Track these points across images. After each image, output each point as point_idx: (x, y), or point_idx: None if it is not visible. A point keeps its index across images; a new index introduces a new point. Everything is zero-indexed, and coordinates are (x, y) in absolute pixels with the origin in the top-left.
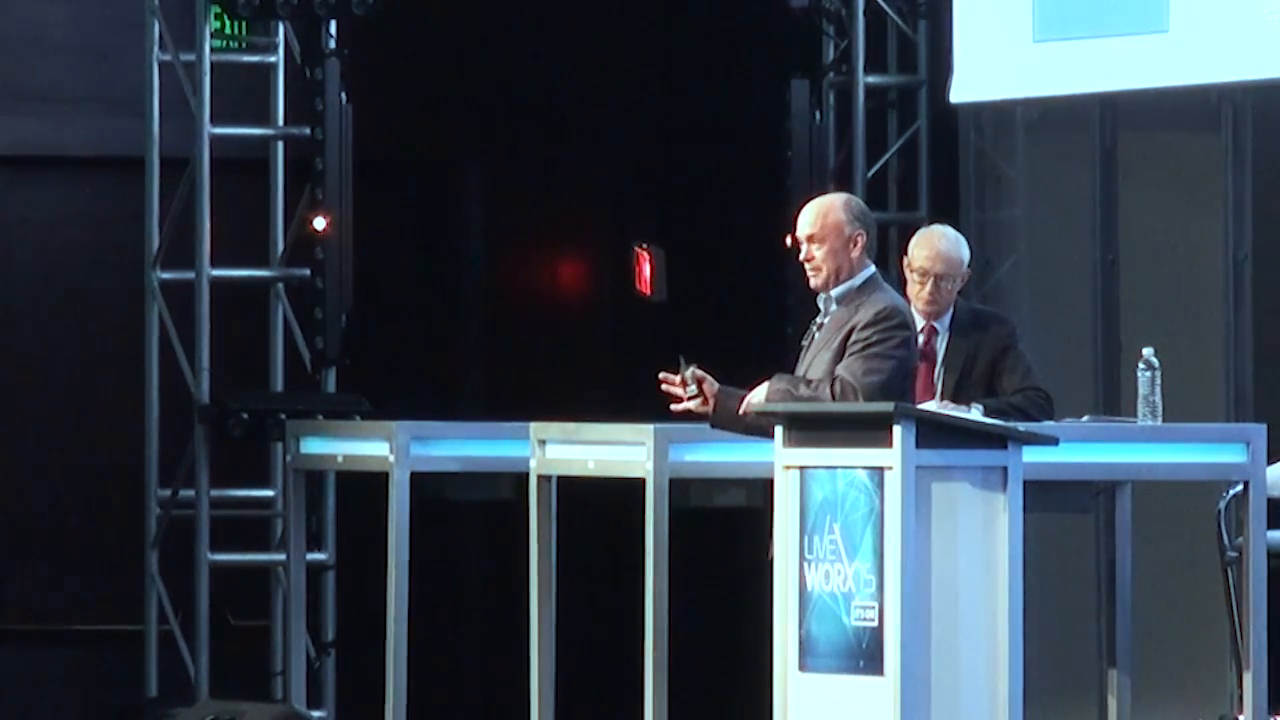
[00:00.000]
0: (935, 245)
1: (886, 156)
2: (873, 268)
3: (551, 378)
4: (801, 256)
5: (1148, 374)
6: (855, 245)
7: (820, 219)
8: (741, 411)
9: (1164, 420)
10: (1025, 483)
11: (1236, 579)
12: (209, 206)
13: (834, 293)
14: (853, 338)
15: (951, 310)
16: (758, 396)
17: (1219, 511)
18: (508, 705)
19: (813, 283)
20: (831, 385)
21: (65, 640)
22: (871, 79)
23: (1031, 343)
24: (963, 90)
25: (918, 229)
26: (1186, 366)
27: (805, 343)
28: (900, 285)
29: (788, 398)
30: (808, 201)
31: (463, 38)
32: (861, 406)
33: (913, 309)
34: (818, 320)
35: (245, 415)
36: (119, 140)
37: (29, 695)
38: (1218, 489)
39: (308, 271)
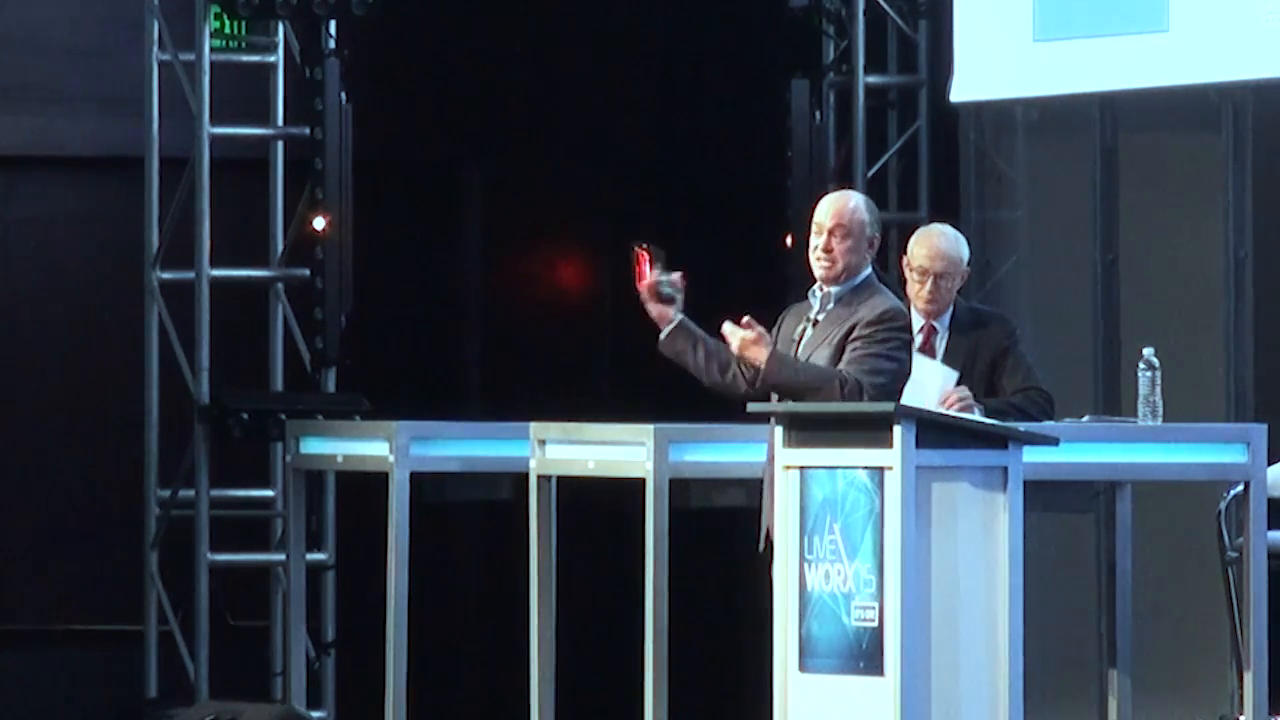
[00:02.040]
0: (935, 244)
1: (886, 156)
2: (870, 269)
3: (551, 378)
4: (819, 245)
5: (1148, 374)
6: (871, 246)
7: (849, 213)
8: (756, 361)
9: (1164, 420)
10: (1025, 483)
11: (1237, 579)
12: (209, 206)
13: (834, 290)
14: (855, 333)
15: (951, 309)
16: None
17: (1219, 511)
18: (508, 705)
19: (822, 274)
20: (842, 385)
21: (65, 640)
22: (871, 79)
23: (1031, 343)
24: (963, 90)
25: (918, 229)
26: (1186, 366)
27: (789, 331)
28: (900, 285)
29: (791, 374)
30: (809, 199)
31: (463, 38)
32: (862, 406)
33: (912, 308)
34: (811, 316)
35: (245, 415)
36: (119, 140)
37: (29, 695)
38: (1218, 489)
39: (308, 271)
